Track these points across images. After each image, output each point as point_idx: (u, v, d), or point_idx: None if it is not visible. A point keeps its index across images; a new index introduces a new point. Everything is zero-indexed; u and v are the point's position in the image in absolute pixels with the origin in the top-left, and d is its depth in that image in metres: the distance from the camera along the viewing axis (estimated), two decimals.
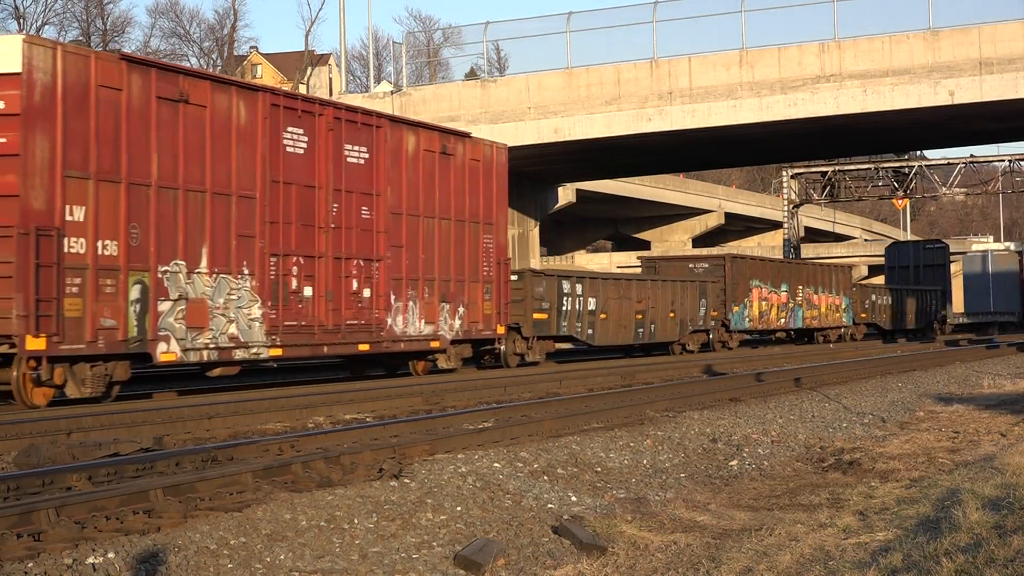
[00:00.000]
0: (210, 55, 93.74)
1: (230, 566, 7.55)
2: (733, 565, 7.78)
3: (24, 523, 7.73)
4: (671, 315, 35.35)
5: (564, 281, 29.84)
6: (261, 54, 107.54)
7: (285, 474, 9.90)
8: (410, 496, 9.47)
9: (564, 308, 29.57)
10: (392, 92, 38.46)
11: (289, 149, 21.09)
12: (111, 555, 7.19)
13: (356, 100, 38.81)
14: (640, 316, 33.59)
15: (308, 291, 21.42)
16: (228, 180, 19.75)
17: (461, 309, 25.54)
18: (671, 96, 35.88)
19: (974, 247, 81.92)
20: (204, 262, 19.26)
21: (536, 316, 28.46)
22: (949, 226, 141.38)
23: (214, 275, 19.49)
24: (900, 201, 61.72)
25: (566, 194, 49.30)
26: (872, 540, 8.21)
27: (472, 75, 57.42)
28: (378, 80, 50.35)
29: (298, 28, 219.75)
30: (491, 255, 26.58)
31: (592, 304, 30.99)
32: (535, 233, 44.84)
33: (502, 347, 27.27)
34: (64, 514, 7.93)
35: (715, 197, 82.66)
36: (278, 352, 20.94)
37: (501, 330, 26.78)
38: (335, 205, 22.13)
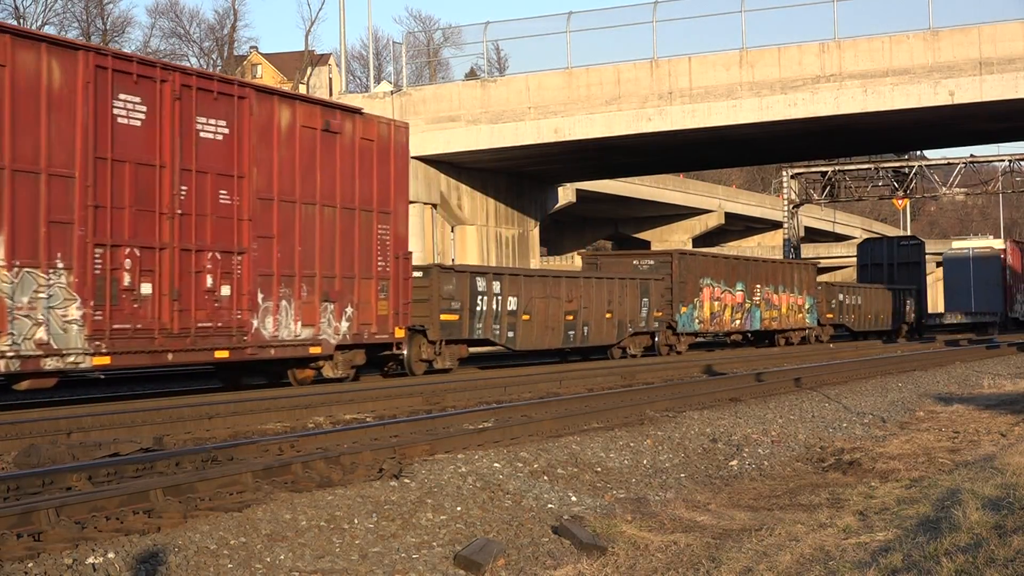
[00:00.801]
0: (210, 55, 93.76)
1: (230, 566, 7.55)
2: (733, 565, 7.78)
3: (24, 523, 7.73)
4: (607, 316, 32.19)
5: (478, 278, 26.92)
6: (261, 54, 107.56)
7: (285, 474, 9.90)
8: (410, 496, 9.47)
9: (479, 308, 26.68)
10: (392, 92, 38.46)
11: (122, 120, 17.82)
12: (111, 555, 7.19)
13: (356, 100, 38.83)
14: (571, 317, 30.44)
15: (146, 288, 18.21)
16: (36, 155, 16.57)
17: (349, 310, 22.23)
18: (671, 96, 35.88)
19: (954, 245, 78.75)
20: (1, 252, 16.11)
21: (444, 317, 25.68)
22: (949, 226, 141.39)
23: (15, 269, 16.25)
24: (900, 201, 61.76)
25: (566, 194, 49.33)
26: (872, 540, 8.21)
27: (472, 75, 57.43)
28: (378, 80, 50.38)
29: (298, 28, 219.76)
30: (388, 248, 23.24)
31: (513, 304, 27.94)
32: (535, 233, 44.83)
33: (405, 352, 24.51)
34: (64, 514, 7.93)
35: (715, 197, 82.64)
36: (104, 360, 17.62)
37: (400, 333, 23.52)
38: (183, 188, 18.84)
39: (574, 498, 10.50)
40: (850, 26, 36.59)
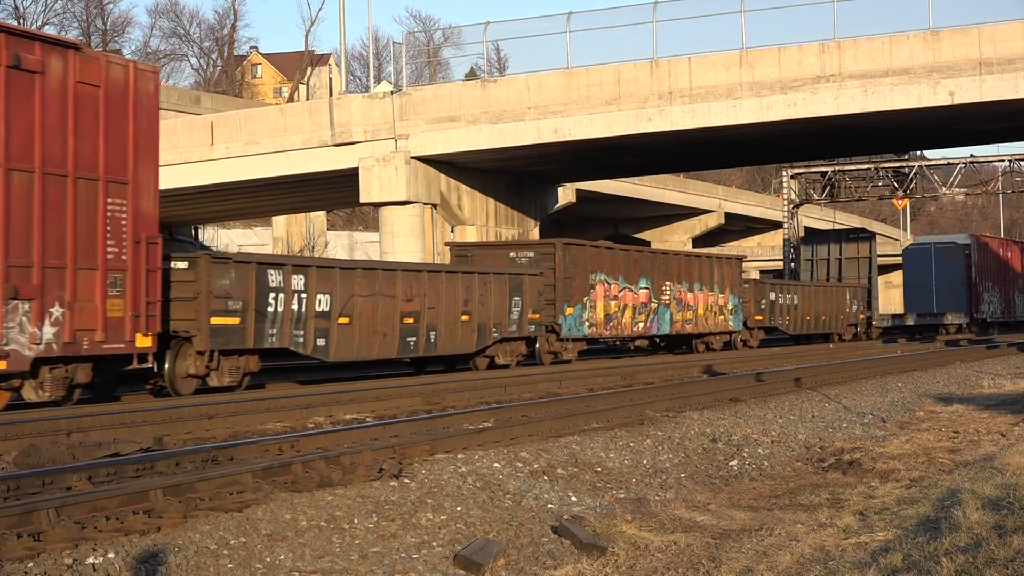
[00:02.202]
0: (210, 55, 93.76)
1: (230, 566, 7.55)
2: (733, 565, 7.78)
3: (24, 523, 7.73)
4: (463, 319, 26.45)
5: (271, 271, 21.33)
6: (261, 54, 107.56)
7: (285, 474, 9.90)
8: (410, 496, 9.47)
9: (271, 309, 21.10)
10: (392, 92, 38.44)
11: None
12: (111, 555, 7.19)
13: (356, 101, 38.85)
14: (411, 320, 24.75)
15: None
16: None
17: (58, 310, 16.91)
18: (671, 96, 35.88)
19: (918, 239, 70.93)
20: None
21: (218, 321, 20.05)
22: (949, 226, 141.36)
23: None
24: (900, 201, 61.70)
25: (566, 194, 49.28)
26: (872, 540, 8.21)
27: (472, 75, 57.42)
28: (378, 80, 50.37)
29: (298, 28, 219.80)
30: (123, 229, 18.03)
31: (324, 303, 22.42)
32: (535, 233, 44.80)
33: (167, 366, 19.54)
34: (64, 514, 7.93)
35: (715, 197, 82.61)
36: None
37: (145, 341, 18.21)
38: None
39: (574, 498, 10.51)
40: (850, 26, 36.57)
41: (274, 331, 21.36)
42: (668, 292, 35.96)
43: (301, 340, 22.06)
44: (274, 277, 21.44)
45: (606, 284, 32.67)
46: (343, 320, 23.04)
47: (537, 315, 29.30)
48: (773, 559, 7.85)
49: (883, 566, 7.09)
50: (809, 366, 27.37)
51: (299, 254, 57.29)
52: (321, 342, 22.51)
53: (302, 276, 22.12)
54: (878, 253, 66.57)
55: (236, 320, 20.48)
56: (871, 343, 48.53)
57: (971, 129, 40.32)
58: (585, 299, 31.45)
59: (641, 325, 34.63)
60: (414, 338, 25.01)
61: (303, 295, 22.00)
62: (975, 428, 15.52)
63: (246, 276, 20.73)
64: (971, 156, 56.07)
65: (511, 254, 31.15)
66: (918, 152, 66.31)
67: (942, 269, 59.63)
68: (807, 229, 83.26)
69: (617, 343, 38.29)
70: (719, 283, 39.21)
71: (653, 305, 35.16)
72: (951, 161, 56.47)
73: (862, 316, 51.78)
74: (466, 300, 26.68)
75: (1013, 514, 8.19)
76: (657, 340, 37.63)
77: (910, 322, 57.13)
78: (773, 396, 19.01)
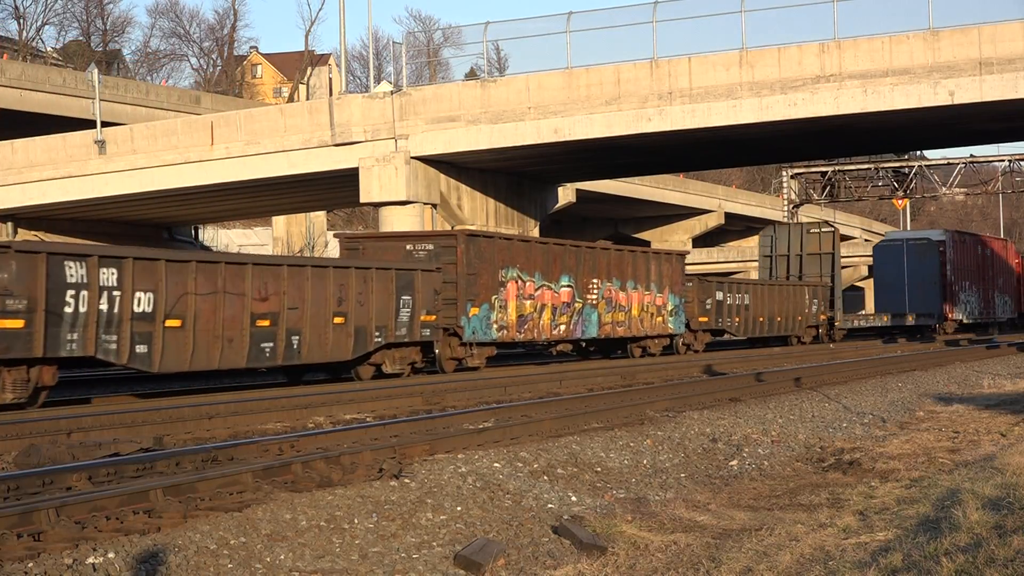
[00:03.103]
0: (210, 55, 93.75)
1: (230, 566, 7.55)
2: (733, 565, 7.78)
3: (24, 523, 7.73)
4: (337, 321, 22.91)
5: (69, 263, 18.02)
6: (261, 54, 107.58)
7: (285, 474, 9.90)
8: (410, 496, 9.47)
9: (70, 309, 17.84)
10: (392, 92, 38.43)
11: None
12: (111, 555, 7.20)
13: (356, 101, 38.84)
14: (266, 323, 21.21)
15: None
16: None
17: None
18: (671, 96, 35.88)
19: (890, 235, 65.32)
20: None
21: None
22: (949, 226, 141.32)
23: None
24: (900, 201, 61.64)
25: (566, 194, 49.28)
26: (872, 540, 8.21)
27: (472, 75, 57.42)
28: (378, 80, 50.35)
29: (298, 28, 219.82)
30: None
31: (146, 303, 18.97)
32: (535, 233, 44.80)
33: None
34: (64, 514, 7.94)
35: (715, 197, 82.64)
36: None
37: None
38: None
39: (574, 498, 10.51)
40: (850, 26, 36.53)
41: (74, 336, 17.94)
42: (596, 291, 32.27)
43: (113, 347, 18.53)
44: (74, 271, 18.01)
45: (519, 281, 28.92)
46: (172, 323, 19.48)
47: (432, 316, 25.57)
48: (773, 559, 7.85)
49: (883, 566, 7.09)
50: (809, 366, 27.38)
51: (298, 254, 57.30)
52: (142, 349, 18.97)
53: (114, 270, 18.60)
54: (867, 253, 64.14)
55: (19, 323, 17.23)
56: (864, 344, 48.25)
57: (971, 129, 40.33)
58: (494, 298, 27.82)
59: (563, 328, 30.89)
60: (270, 344, 21.28)
61: (116, 293, 18.54)
62: (975, 428, 15.52)
63: (33, 269, 17.44)
64: (971, 156, 56.07)
65: (407, 247, 27.28)
66: (918, 152, 66.29)
67: (915, 267, 55.27)
68: None
69: (534, 347, 34.88)
70: (656, 281, 35.33)
71: (577, 305, 31.43)
72: (951, 161, 56.47)
73: (823, 317, 47.68)
74: (340, 299, 22.99)
75: (1013, 514, 8.19)
76: (583, 344, 33.77)
77: (877, 323, 52.91)
78: (773, 396, 19.01)
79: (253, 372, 23.78)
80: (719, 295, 39.28)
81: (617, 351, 34.98)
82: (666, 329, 35.80)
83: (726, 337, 42.85)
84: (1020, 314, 66.42)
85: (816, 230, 51.26)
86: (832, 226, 51.73)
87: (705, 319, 38.36)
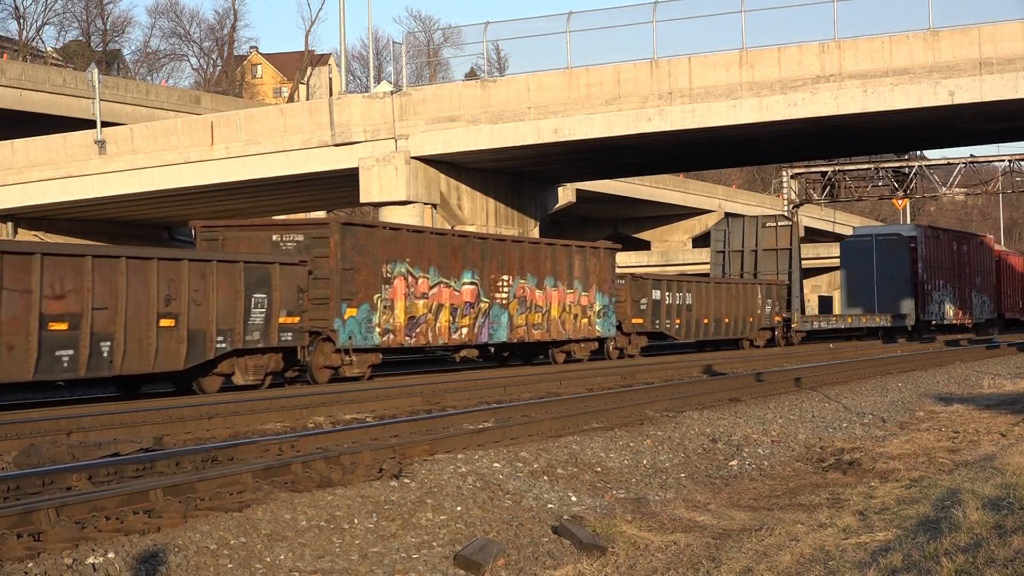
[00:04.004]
0: (210, 55, 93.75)
1: (230, 566, 7.55)
2: (733, 565, 7.78)
3: (24, 523, 7.73)
4: (165, 324, 19.34)
5: None
6: (261, 54, 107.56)
7: (285, 474, 9.90)
8: (410, 496, 9.47)
9: None
10: (392, 92, 38.43)
11: None
12: (111, 555, 7.20)
13: (356, 101, 38.84)
14: (62, 326, 17.70)
15: None
16: None
17: None
18: (671, 96, 35.87)
19: (858, 230, 60.29)
20: None
21: None
22: (949, 226, 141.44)
23: None
24: (900, 201, 61.59)
25: (566, 194, 49.28)
26: (872, 540, 8.21)
27: (472, 75, 57.42)
28: (378, 80, 50.35)
29: (298, 28, 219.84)
30: None
31: None
32: (535, 233, 44.80)
33: None
34: (64, 514, 7.94)
35: (715, 197, 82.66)
36: None
37: None
38: None
39: (574, 498, 10.51)
40: (850, 26, 36.59)
41: None
42: (506, 289, 28.50)
43: None
44: None
45: (410, 278, 25.18)
46: None
47: (294, 319, 21.98)
48: (773, 559, 7.85)
49: (883, 566, 7.09)
50: (809, 366, 27.39)
51: None
52: None
53: None
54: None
55: None
56: (864, 344, 48.18)
57: (971, 129, 40.33)
58: (376, 297, 24.23)
59: (465, 331, 27.03)
60: (69, 352, 17.68)
61: None
62: (975, 428, 15.52)
63: None
64: (971, 156, 56.04)
65: (273, 237, 23.65)
66: (918, 152, 66.30)
67: (885, 264, 51.72)
68: (807, 229, 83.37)
69: (436, 354, 31.02)
70: (581, 278, 31.60)
71: (483, 305, 27.59)
72: (951, 161, 56.44)
73: (779, 318, 43.71)
74: (168, 298, 19.36)
75: (1013, 514, 8.19)
76: (491, 349, 29.70)
77: (841, 324, 48.48)
78: (773, 396, 19.01)
79: (49, 386, 20.47)
80: (656, 294, 35.75)
81: (539, 356, 31.64)
82: (593, 332, 32.09)
83: (668, 341, 39.13)
84: (1000, 315, 62.68)
85: (773, 223, 47.12)
86: (790, 219, 46.56)
87: (640, 321, 34.87)
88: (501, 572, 8.11)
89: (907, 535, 8.04)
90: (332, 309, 23.12)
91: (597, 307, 32.35)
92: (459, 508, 9.45)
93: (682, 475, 12.33)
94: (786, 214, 48.04)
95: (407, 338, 25.24)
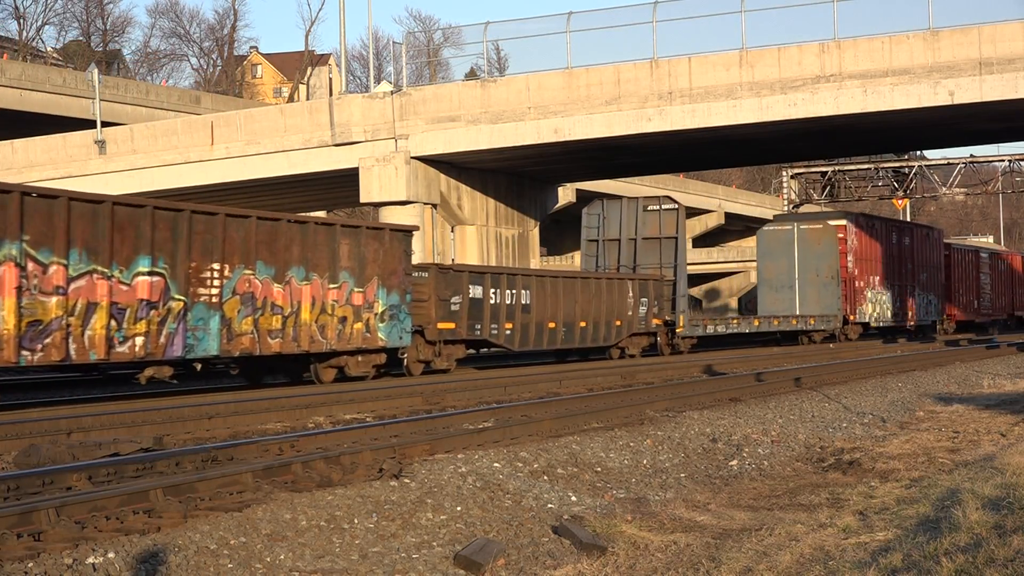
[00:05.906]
0: (210, 55, 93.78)
1: (230, 566, 7.55)
2: (733, 565, 7.78)
3: (24, 523, 7.73)
4: None
5: None
6: (261, 54, 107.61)
7: (285, 474, 9.90)
8: (410, 496, 9.47)
9: None
10: (392, 92, 38.44)
11: None
12: (111, 555, 7.20)
13: (356, 101, 38.85)
14: None
15: None
16: None
17: None
18: (671, 96, 35.88)
19: (778, 217, 49.89)
20: None
21: None
22: (949, 226, 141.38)
23: None
24: (900, 201, 61.64)
25: (566, 194, 49.31)
26: (872, 540, 8.21)
27: (472, 75, 57.43)
28: (378, 80, 50.36)
29: (298, 28, 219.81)
30: None
31: None
32: (535, 233, 44.82)
33: None
34: (64, 514, 7.93)
35: (715, 197, 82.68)
36: None
37: None
38: None
39: (574, 498, 10.51)
40: (850, 26, 36.62)
41: None
42: (218, 282, 20.22)
43: None
44: None
45: (26, 265, 17.03)
46: None
47: None
48: (773, 559, 7.85)
49: (883, 566, 7.09)
50: (809, 366, 27.38)
51: None
52: None
53: None
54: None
55: None
56: (859, 345, 47.86)
57: (971, 129, 40.34)
58: None
59: (140, 340, 18.68)
60: None
61: None
62: (975, 428, 15.51)
63: None
64: (971, 156, 56.11)
65: None
66: (918, 152, 66.36)
67: (807, 258, 44.59)
68: None
69: (103, 371, 22.72)
70: (352, 269, 23.42)
71: (175, 305, 19.36)
72: (951, 161, 56.50)
73: (658, 322, 35.58)
74: None
75: (1013, 514, 8.19)
76: (197, 366, 20.78)
77: (745, 329, 41.36)
78: (773, 396, 19.01)
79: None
80: (476, 291, 27.39)
81: (304, 373, 23.79)
82: (374, 341, 23.89)
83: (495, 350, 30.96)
84: (948, 316, 55.96)
85: (655, 207, 37.69)
86: (676, 202, 38.18)
87: (449, 326, 26.50)
88: (501, 572, 8.11)
89: (907, 535, 8.04)
90: None
91: (380, 307, 24.12)
92: (459, 508, 9.45)
93: (682, 475, 12.33)
94: (670, 195, 40.77)
95: (23, 353, 16.93)
